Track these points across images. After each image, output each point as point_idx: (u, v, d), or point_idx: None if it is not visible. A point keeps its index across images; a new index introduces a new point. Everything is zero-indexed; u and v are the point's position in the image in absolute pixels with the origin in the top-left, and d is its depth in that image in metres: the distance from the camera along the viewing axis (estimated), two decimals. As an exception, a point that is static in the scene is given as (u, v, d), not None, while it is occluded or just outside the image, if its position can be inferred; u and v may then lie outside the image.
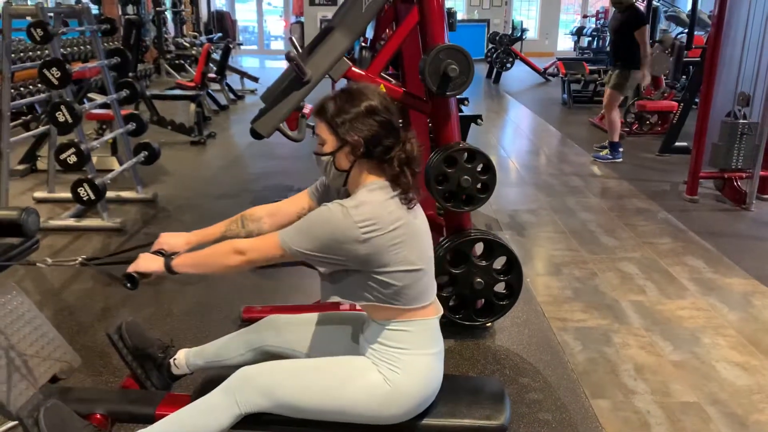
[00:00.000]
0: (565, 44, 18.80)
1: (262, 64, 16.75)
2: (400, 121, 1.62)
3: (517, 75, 13.71)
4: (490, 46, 13.54)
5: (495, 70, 13.01)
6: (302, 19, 18.15)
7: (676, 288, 3.53)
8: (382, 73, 2.95)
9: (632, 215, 4.81)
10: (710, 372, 2.71)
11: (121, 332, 2.02)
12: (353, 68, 2.80)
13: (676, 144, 6.61)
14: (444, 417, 1.68)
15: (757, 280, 3.63)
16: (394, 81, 3.21)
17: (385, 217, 1.54)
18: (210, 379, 1.82)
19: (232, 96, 10.13)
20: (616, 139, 6.49)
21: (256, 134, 5.21)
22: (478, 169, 2.73)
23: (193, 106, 7.39)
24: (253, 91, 11.16)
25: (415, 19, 2.84)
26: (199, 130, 7.14)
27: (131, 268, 1.69)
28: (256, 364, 1.68)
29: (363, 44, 3.44)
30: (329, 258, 1.55)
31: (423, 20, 2.83)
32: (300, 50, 3.09)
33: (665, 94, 7.74)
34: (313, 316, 1.93)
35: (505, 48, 12.84)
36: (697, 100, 6.25)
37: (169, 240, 1.83)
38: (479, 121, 4.62)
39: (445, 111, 2.87)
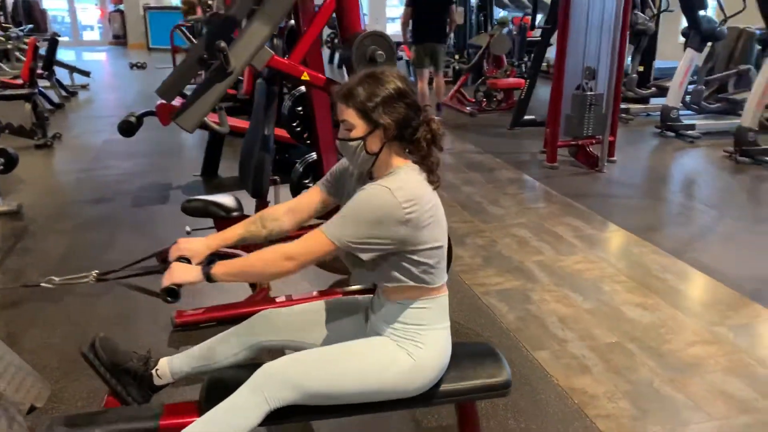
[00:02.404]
0: (394, 28, 19.38)
1: (79, 56, 15.43)
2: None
3: (357, 59, 13.95)
4: (329, 30, 13.63)
5: (337, 55, 13.18)
6: (122, 7, 17.00)
7: (566, 246, 3.93)
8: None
9: (507, 185, 5.21)
10: (619, 315, 3.08)
11: (96, 350, 1.87)
12: (276, 57, 2.78)
13: (525, 118, 7.22)
14: (456, 381, 1.79)
15: (627, 231, 4.14)
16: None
17: (423, 197, 1.61)
18: (214, 382, 1.78)
19: (63, 93, 9.29)
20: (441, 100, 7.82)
21: (123, 131, 4.91)
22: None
23: (28, 106, 6.70)
24: (84, 87, 10.30)
25: (332, 7, 2.87)
26: (42, 131, 6.51)
27: (167, 281, 1.60)
28: (276, 359, 1.67)
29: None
30: (376, 243, 1.57)
31: (340, 8, 2.88)
32: (194, 41, 2.98)
33: (507, 73, 8.38)
34: (303, 307, 1.95)
35: (344, 33, 13.01)
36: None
37: (189, 246, 1.75)
38: None
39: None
